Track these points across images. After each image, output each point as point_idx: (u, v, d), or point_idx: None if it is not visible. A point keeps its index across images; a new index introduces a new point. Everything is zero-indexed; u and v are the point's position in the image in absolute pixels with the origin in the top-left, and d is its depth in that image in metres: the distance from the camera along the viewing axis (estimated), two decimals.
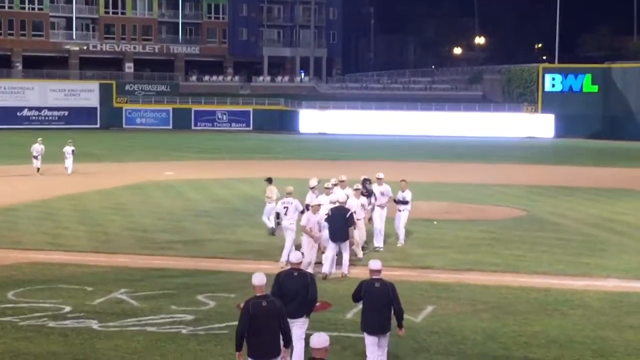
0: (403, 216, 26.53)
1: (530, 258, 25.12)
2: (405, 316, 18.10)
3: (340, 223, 22.02)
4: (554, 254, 25.73)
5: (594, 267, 23.91)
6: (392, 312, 14.28)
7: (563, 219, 33.25)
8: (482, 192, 41.81)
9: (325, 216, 22.41)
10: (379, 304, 14.14)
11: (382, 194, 26.28)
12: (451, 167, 56.27)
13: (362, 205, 24.45)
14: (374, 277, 14.39)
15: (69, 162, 48.92)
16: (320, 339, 10.71)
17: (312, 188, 25.23)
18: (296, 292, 14.22)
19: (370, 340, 14.29)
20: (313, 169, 50.35)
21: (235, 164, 56.59)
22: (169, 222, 31.82)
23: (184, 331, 17.20)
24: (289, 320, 13.84)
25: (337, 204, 22.61)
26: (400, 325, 14.36)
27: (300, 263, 14.69)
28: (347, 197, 23.82)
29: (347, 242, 22.35)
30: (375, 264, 14.62)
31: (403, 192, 26.39)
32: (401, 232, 26.74)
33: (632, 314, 18.92)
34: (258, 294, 12.74)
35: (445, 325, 17.76)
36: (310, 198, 24.41)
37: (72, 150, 49.11)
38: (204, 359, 15.54)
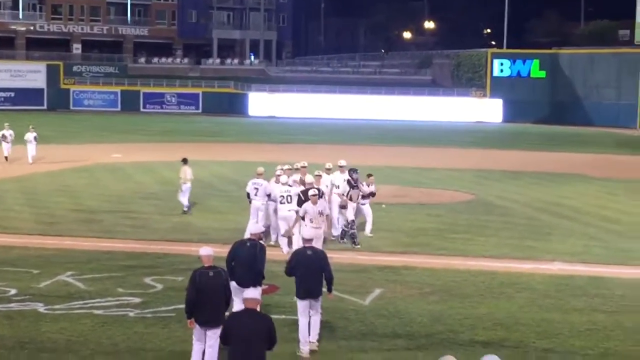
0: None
1: (477, 242, 25.36)
2: (353, 299, 18.33)
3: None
4: (501, 238, 25.98)
5: (540, 250, 24.19)
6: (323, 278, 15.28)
7: (510, 203, 33.56)
8: (431, 176, 42.04)
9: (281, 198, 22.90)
10: (312, 270, 15.12)
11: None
12: (400, 151, 56.48)
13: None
14: (306, 245, 15.56)
15: (31, 149, 44.39)
16: (254, 292, 12.17)
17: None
18: (246, 260, 15.13)
19: (302, 306, 15.21)
20: (262, 152, 50.33)
21: (184, 147, 56.24)
22: (116, 205, 31.62)
23: (131, 314, 17.13)
24: (239, 287, 14.85)
25: (305, 186, 22.63)
26: (330, 290, 15.43)
27: (257, 234, 15.85)
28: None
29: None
30: (308, 232, 16.12)
31: (369, 186, 25.76)
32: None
33: (577, 297, 19.19)
34: (205, 265, 13.52)
35: (392, 308, 17.87)
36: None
37: (35, 137, 44.56)
38: (151, 341, 15.48)
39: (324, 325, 16.24)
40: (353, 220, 24.79)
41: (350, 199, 24.82)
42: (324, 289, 15.40)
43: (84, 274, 20.30)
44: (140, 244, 24.43)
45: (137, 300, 18.12)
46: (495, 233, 26.78)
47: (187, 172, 29.81)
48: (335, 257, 22.26)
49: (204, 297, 13.31)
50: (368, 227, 25.83)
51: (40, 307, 17.43)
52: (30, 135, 44.51)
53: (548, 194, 36.13)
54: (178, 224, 27.60)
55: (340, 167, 25.80)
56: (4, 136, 45.42)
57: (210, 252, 13.75)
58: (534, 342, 15.91)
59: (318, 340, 15.36)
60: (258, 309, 12.34)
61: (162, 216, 29.18)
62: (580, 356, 15.20)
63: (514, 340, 15.95)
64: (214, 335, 13.39)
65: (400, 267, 21.75)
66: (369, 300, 18.59)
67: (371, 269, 21.58)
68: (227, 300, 13.68)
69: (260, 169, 24.73)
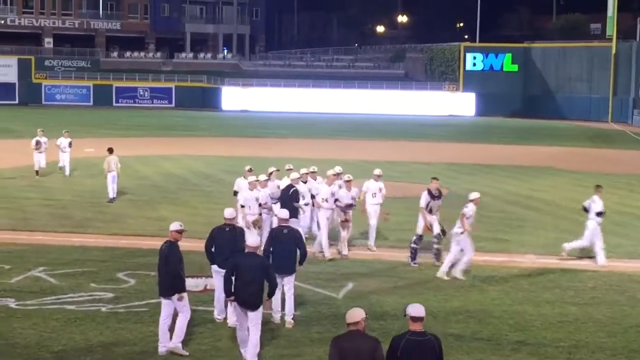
0: None
1: (449, 235, 25.34)
2: (327, 293, 18.35)
3: (289, 203, 21.42)
4: (473, 231, 25.98)
5: (513, 243, 24.30)
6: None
7: (482, 196, 33.43)
8: (403, 169, 42.08)
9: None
10: (287, 248, 16.24)
11: (380, 190, 24.72)
12: (373, 145, 56.52)
13: (333, 194, 22.84)
14: (282, 224, 16.69)
15: (65, 157, 38.30)
16: (255, 238, 14.96)
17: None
18: (225, 244, 15.82)
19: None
20: (236, 146, 50.25)
21: (157, 141, 56.10)
22: (88, 200, 31.46)
23: (103, 309, 17.06)
24: (217, 269, 15.96)
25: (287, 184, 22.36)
26: (301, 264, 16.67)
27: (232, 219, 16.37)
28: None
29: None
30: (283, 213, 16.95)
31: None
32: None
33: (548, 289, 19.32)
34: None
35: (365, 301, 17.87)
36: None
37: (70, 143, 38.27)
38: (124, 337, 15.42)
39: (298, 318, 16.29)
40: (421, 236, 22.44)
41: (430, 212, 22.79)
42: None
43: (56, 270, 20.18)
44: (113, 238, 24.33)
45: (109, 295, 18.05)
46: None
47: (111, 162, 30.88)
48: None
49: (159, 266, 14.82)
50: None
51: (12, 303, 17.32)
52: (64, 141, 38.28)
53: (520, 187, 36.30)
54: (151, 219, 27.49)
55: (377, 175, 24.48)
56: (38, 143, 37.80)
57: (174, 227, 14.98)
58: (507, 334, 15.99)
59: (293, 319, 16.25)
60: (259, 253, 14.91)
61: (135, 211, 29.07)
62: (552, 348, 15.28)
63: (487, 333, 16.02)
64: (180, 304, 14.64)
65: (372, 260, 21.81)
66: (342, 294, 18.61)
67: (343, 262, 21.60)
68: (175, 273, 14.49)
69: (247, 167, 23.59)
